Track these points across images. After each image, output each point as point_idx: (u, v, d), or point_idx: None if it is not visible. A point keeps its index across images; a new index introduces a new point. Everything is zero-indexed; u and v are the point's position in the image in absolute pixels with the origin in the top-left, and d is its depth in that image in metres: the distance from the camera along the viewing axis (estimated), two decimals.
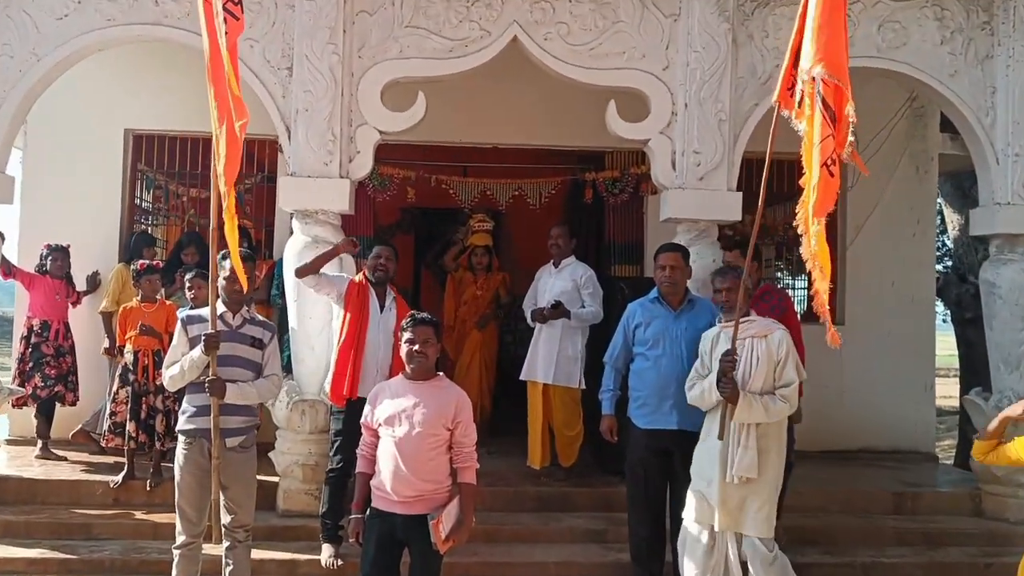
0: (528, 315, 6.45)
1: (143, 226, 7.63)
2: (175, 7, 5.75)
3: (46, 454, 6.54)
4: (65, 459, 6.51)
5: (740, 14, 5.91)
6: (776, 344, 4.48)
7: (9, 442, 7.21)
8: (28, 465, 6.37)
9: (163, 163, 7.45)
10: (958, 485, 6.77)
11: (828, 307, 4.18)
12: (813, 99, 4.18)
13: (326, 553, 5.16)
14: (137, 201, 7.61)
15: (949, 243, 13.07)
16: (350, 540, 4.01)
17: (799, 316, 5.72)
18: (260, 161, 7.43)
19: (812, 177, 4.10)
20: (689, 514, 4.53)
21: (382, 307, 5.32)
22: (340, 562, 5.11)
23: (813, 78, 4.15)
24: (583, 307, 6.23)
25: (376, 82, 5.78)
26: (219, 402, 4.16)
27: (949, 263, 13.33)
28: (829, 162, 4.09)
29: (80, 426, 6.68)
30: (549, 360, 6.26)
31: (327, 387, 5.35)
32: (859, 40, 5.81)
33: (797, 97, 4.31)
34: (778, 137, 4.38)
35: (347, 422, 5.10)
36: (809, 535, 5.76)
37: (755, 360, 4.44)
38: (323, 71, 5.66)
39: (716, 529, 4.44)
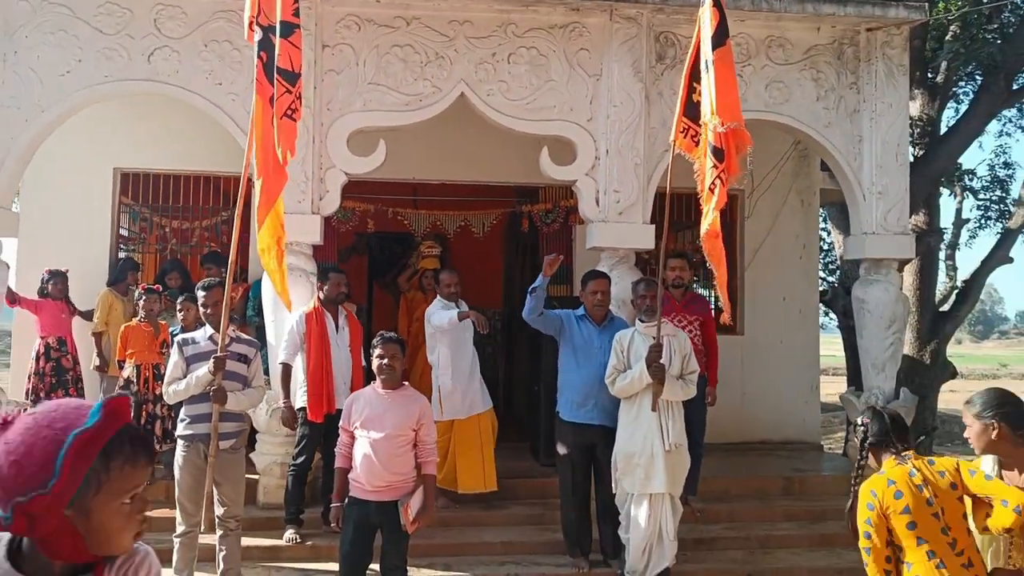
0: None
1: (127, 253, 7.88)
2: (165, 65, 6.09)
3: None
4: None
5: (652, 75, 6.47)
6: (683, 340, 5.23)
7: None
8: None
9: (147, 198, 7.73)
10: (839, 471, 7.37)
11: (729, 308, 4.89)
12: (705, 142, 4.88)
13: (289, 532, 5.61)
14: (122, 231, 7.86)
15: (836, 260, 13.88)
16: (331, 524, 4.42)
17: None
18: (235, 195, 7.74)
19: (704, 192, 4.87)
20: (635, 487, 5.03)
21: (337, 327, 5.74)
22: (298, 539, 5.58)
23: (707, 125, 4.86)
24: None
25: (343, 131, 6.19)
26: (220, 409, 4.53)
27: (837, 277, 14.15)
28: (712, 185, 4.84)
29: None
30: (482, 389, 6.35)
31: (300, 403, 5.67)
32: (751, 97, 6.41)
33: (691, 138, 5.06)
34: (686, 175, 5.01)
35: (313, 427, 5.53)
36: (713, 515, 6.31)
37: (673, 352, 5.06)
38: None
39: (659, 492, 4.95)
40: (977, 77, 12.62)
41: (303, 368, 5.68)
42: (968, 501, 3.09)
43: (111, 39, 6.06)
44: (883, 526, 3.02)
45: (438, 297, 6.33)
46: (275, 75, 4.42)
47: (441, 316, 6.11)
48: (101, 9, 6.06)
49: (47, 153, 7.03)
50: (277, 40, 4.47)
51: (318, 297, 5.77)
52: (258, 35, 4.55)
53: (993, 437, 3.12)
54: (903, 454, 3.12)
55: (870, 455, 3.22)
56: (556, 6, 6.35)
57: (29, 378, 6.67)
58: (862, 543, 3.07)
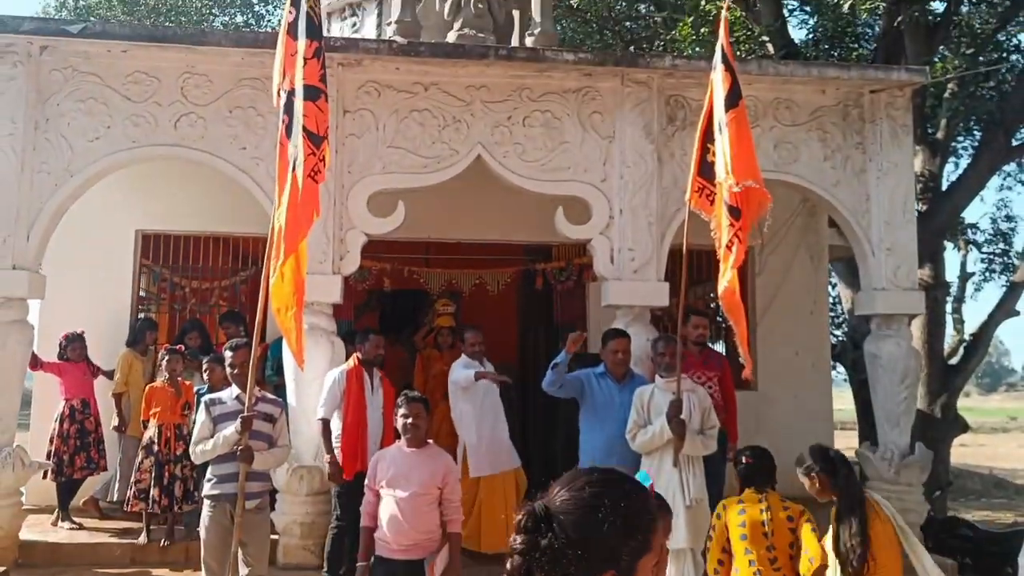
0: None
1: (147, 313, 7.99)
2: (191, 131, 6.29)
3: (65, 522, 6.74)
4: (80, 525, 6.74)
5: (663, 136, 6.67)
6: (702, 395, 5.34)
7: (24, 509, 7.38)
8: (49, 531, 6.60)
9: (167, 258, 7.88)
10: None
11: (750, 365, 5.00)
12: (721, 201, 5.01)
13: None
14: (141, 292, 8.00)
15: (845, 314, 13.99)
16: None
17: None
18: (255, 255, 7.90)
19: (721, 250, 5.02)
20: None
21: (372, 387, 5.83)
22: None
23: (722, 185, 5.01)
24: None
25: (363, 193, 6.35)
26: (247, 468, 4.59)
27: (846, 330, 14.25)
28: (729, 243, 4.99)
29: (91, 495, 6.96)
30: (510, 447, 6.39)
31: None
32: (760, 157, 6.43)
33: (706, 197, 5.22)
34: (700, 232, 5.14)
35: (350, 485, 5.54)
36: None
37: (692, 407, 5.14)
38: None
39: (680, 547, 4.97)
40: (976, 132, 12.91)
41: (338, 425, 5.75)
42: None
43: (139, 106, 6.27)
44: (723, 534, 4.07)
45: (463, 355, 6.42)
46: (301, 135, 4.52)
47: (459, 375, 6.20)
48: (130, 78, 6.28)
49: (70, 215, 7.13)
50: (300, 102, 4.56)
51: (357, 357, 5.86)
52: (283, 99, 4.70)
53: (817, 487, 3.96)
54: (763, 490, 4.08)
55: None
56: (569, 71, 6.57)
57: (51, 440, 6.71)
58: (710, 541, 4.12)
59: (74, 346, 6.90)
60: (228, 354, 4.99)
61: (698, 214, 5.36)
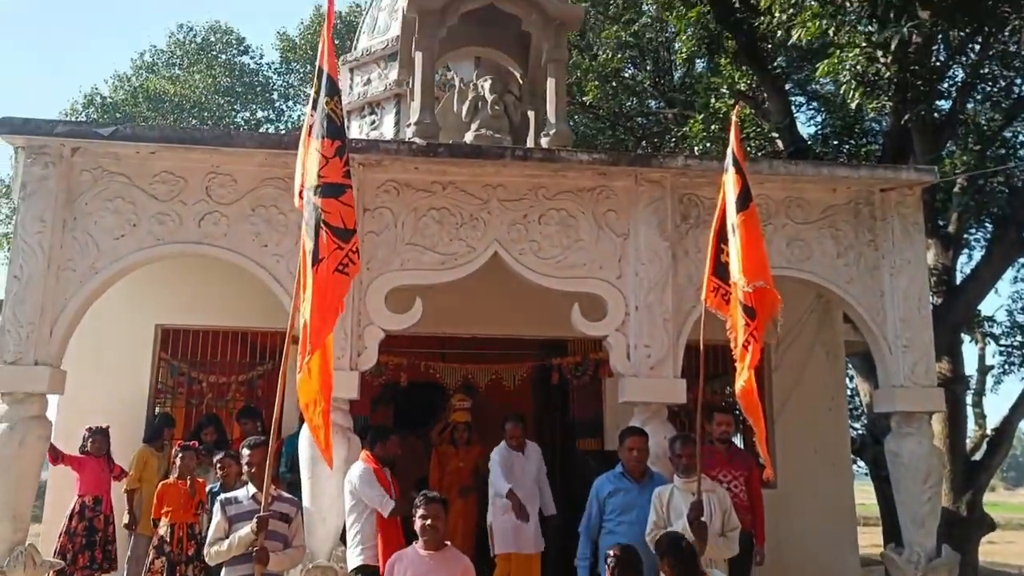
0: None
1: (163, 407, 8.03)
2: (215, 229, 6.44)
3: None
4: None
5: (677, 234, 6.78)
6: (723, 496, 5.28)
7: None
8: None
9: (186, 353, 7.97)
10: None
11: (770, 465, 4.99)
12: (736, 301, 5.08)
13: None
14: (159, 386, 8.06)
15: (862, 408, 13.87)
16: None
17: None
18: (273, 350, 7.97)
19: (737, 349, 5.06)
20: None
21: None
22: None
23: (736, 285, 5.09)
24: None
25: (381, 289, 6.45)
26: (263, 570, 4.54)
27: (865, 423, 14.08)
28: (745, 342, 5.03)
29: None
30: (536, 531, 6.58)
31: (362, 559, 5.72)
32: (774, 254, 6.63)
33: (722, 296, 5.30)
34: (715, 328, 5.18)
35: None
36: None
37: (713, 508, 5.08)
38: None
39: None
40: (988, 225, 13.02)
41: (362, 522, 5.74)
42: None
43: (165, 205, 6.44)
44: None
45: (503, 443, 6.76)
46: (317, 231, 4.60)
47: (496, 482, 6.60)
48: (157, 178, 6.48)
49: (91, 309, 7.25)
50: (318, 200, 4.64)
51: (369, 455, 5.90)
52: (306, 197, 4.81)
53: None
54: None
55: None
56: (584, 171, 6.74)
57: (60, 536, 6.66)
58: None
59: (96, 439, 6.91)
60: (245, 452, 5.01)
61: (714, 313, 5.42)
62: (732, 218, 5.32)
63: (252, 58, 25.31)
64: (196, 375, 8.06)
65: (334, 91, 4.80)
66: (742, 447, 8.24)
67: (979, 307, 12.67)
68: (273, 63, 25.28)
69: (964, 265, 13.02)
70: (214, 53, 24.93)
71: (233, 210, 6.49)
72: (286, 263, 6.40)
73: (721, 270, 5.42)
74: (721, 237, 5.53)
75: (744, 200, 5.38)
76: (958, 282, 11.36)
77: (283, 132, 23.47)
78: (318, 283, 4.54)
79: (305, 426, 6.25)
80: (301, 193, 4.91)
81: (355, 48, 11.60)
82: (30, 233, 6.17)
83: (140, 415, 7.72)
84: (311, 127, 4.82)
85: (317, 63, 4.86)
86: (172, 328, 8.02)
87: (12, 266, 6.15)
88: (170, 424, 7.47)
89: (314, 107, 4.85)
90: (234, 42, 25.23)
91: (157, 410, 7.96)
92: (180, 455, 6.40)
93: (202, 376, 8.05)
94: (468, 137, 7.47)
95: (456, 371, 8.21)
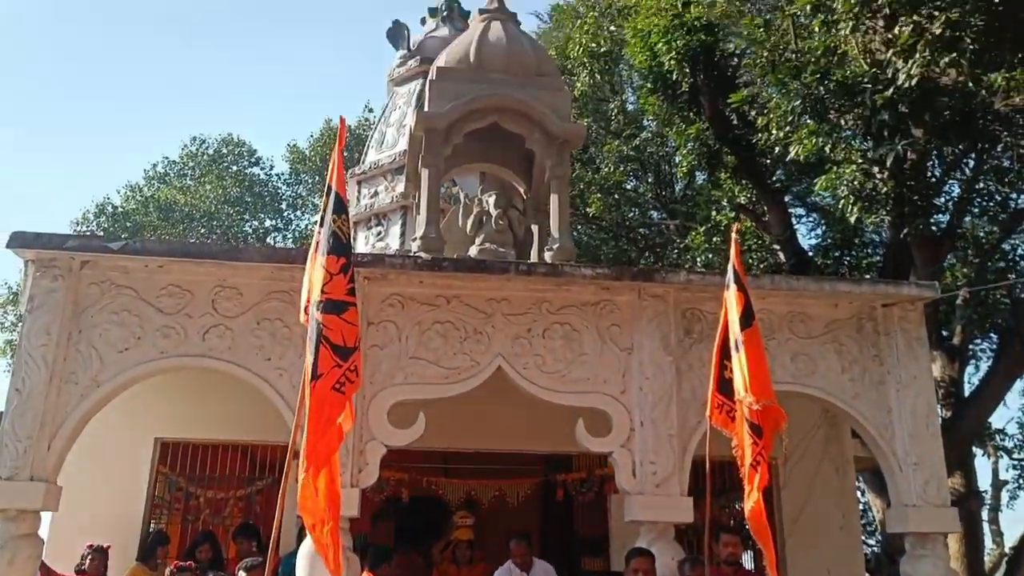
0: None
1: (159, 523, 7.87)
2: (219, 342, 6.45)
3: None
4: None
5: (680, 348, 6.78)
6: None
7: None
8: None
9: (185, 467, 7.86)
10: None
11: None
12: (742, 419, 5.04)
13: None
14: (156, 500, 7.91)
15: (877, 524, 13.54)
16: None
17: None
18: (272, 465, 7.87)
19: (745, 469, 5.00)
20: None
21: None
22: None
23: (742, 402, 5.07)
24: None
25: (384, 404, 6.41)
26: None
27: (879, 539, 13.72)
28: (754, 462, 4.94)
29: None
30: None
31: None
32: (778, 369, 6.64)
33: (726, 413, 5.27)
34: (721, 444, 5.13)
35: None
36: None
37: None
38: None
39: None
40: (993, 336, 13.03)
41: None
42: None
43: (170, 318, 6.48)
44: None
45: (509, 562, 6.59)
46: (320, 348, 4.59)
47: None
48: (164, 291, 6.54)
49: (90, 420, 7.26)
50: (320, 315, 4.65)
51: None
52: (310, 313, 4.82)
53: None
54: None
55: None
56: (587, 285, 6.81)
57: None
58: None
59: (96, 559, 6.73)
60: (242, 574, 4.88)
61: (719, 430, 5.39)
62: (736, 335, 5.35)
63: (263, 169, 25.95)
64: (193, 490, 7.93)
65: (342, 209, 4.90)
66: (752, 568, 8.03)
67: (989, 419, 12.53)
68: (282, 174, 25.91)
69: (971, 376, 12.97)
70: (225, 164, 25.57)
71: (238, 323, 6.52)
72: (289, 377, 6.39)
73: (725, 386, 5.42)
74: (724, 353, 5.55)
75: (747, 318, 5.42)
76: (966, 394, 11.29)
77: (290, 242, 23.90)
78: (315, 400, 4.52)
79: (303, 544, 6.13)
80: (307, 308, 4.94)
81: (363, 161, 11.91)
82: (35, 346, 6.19)
83: (135, 531, 7.55)
84: (318, 243, 4.88)
85: (327, 180, 4.97)
86: (171, 441, 7.94)
87: (14, 379, 6.14)
88: (164, 542, 7.29)
89: (322, 223, 4.92)
90: (245, 153, 25.91)
91: (153, 526, 7.79)
92: None
93: (199, 491, 7.91)
94: (472, 251, 7.59)
95: (459, 487, 8.08)
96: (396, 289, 6.71)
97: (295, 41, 49.18)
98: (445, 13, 12.43)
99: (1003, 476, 13.81)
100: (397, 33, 12.35)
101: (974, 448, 12.37)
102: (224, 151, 25.80)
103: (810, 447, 8.41)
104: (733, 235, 5.86)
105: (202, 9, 47.26)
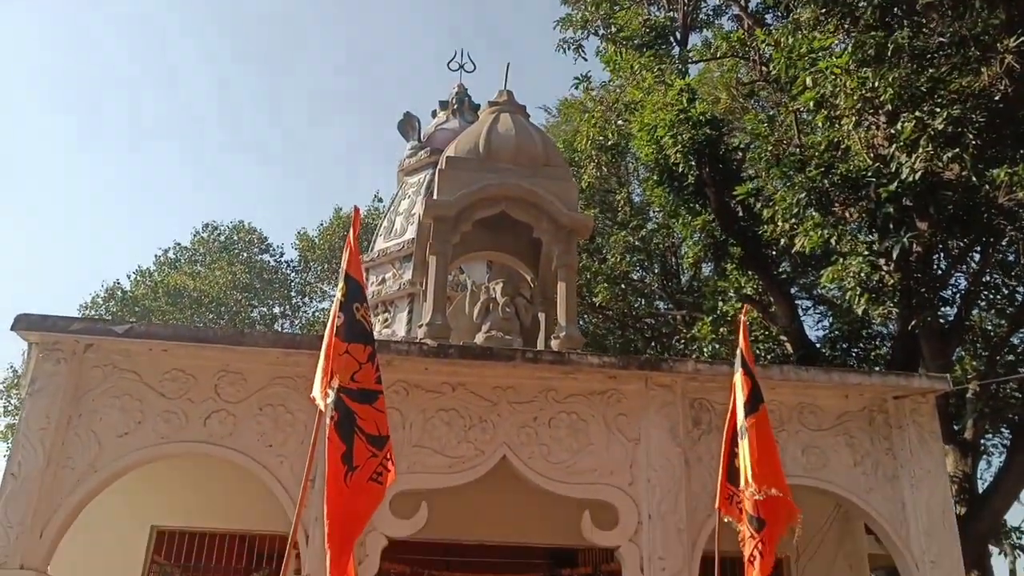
0: None
1: None
2: (220, 428, 6.36)
3: None
4: None
5: (689, 440, 6.64)
6: None
7: None
8: None
9: (180, 556, 7.62)
10: None
11: None
12: (744, 511, 4.91)
13: None
14: None
15: None
16: None
17: None
18: (270, 555, 7.63)
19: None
20: None
21: None
22: None
23: (745, 492, 4.94)
24: None
25: (387, 493, 6.23)
26: None
27: None
28: (750, 557, 4.95)
29: None
30: None
31: None
32: (789, 462, 6.48)
33: (737, 504, 5.12)
34: (732, 539, 4.96)
35: None
36: None
37: None
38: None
39: None
40: (1005, 430, 12.79)
41: None
42: None
43: (172, 402, 6.40)
44: None
45: None
46: (355, 439, 4.51)
47: None
48: (167, 375, 6.48)
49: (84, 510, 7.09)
50: (354, 404, 4.56)
51: None
52: (331, 397, 4.71)
53: None
54: None
55: None
56: (594, 373, 6.72)
57: None
58: None
59: None
60: None
61: (729, 523, 5.21)
62: (741, 421, 5.25)
63: (273, 256, 26.17)
64: None
65: (362, 297, 4.87)
66: None
67: (1005, 516, 12.18)
68: (291, 261, 26.11)
69: (984, 471, 12.68)
70: (236, 250, 25.81)
71: (240, 408, 6.43)
72: (290, 464, 6.27)
73: (734, 477, 5.28)
74: (734, 441, 5.43)
75: (754, 403, 5.33)
76: (980, 490, 11.00)
77: (297, 329, 23.89)
78: (351, 492, 4.42)
79: None
80: (324, 391, 4.77)
81: (371, 249, 11.98)
82: (33, 430, 6.10)
83: None
84: (339, 327, 4.78)
85: (343, 267, 4.93)
86: (167, 529, 7.72)
87: (10, 463, 6.03)
88: None
89: (341, 309, 4.84)
90: (256, 240, 26.18)
91: None
92: None
93: None
94: (479, 338, 7.53)
95: None
96: (401, 376, 6.63)
97: (310, 131, 50.43)
98: (456, 106, 12.70)
99: (1021, 575, 13.33)
100: (408, 125, 12.61)
101: (990, 547, 11.99)
102: (235, 238, 26.08)
103: (823, 543, 8.13)
104: (742, 317, 5.82)
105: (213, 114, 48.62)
